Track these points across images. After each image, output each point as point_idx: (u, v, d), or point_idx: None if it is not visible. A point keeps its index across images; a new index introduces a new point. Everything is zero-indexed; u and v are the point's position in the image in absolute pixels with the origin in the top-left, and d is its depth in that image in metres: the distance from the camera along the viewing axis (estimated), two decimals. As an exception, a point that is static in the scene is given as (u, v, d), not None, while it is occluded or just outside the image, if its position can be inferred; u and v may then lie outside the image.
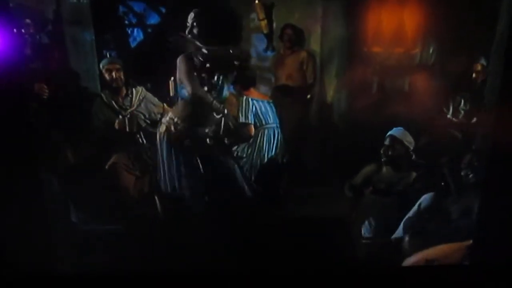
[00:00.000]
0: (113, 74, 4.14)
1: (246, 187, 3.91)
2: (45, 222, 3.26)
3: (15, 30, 3.95)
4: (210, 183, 3.72)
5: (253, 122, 4.19)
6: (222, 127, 3.69)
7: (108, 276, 3.02)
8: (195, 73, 3.50)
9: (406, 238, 3.47)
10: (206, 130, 3.66)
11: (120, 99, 4.23)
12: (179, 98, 3.73)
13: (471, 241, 2.88)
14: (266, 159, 4.25)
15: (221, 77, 3.55)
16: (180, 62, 3.55)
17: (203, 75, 3.53)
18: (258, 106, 4.22)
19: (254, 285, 3.02)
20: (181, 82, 3.59)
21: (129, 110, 4.21)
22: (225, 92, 3.67)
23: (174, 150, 3.68)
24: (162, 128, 3.69)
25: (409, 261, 3.13)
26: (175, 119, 3.63)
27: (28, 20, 4.16)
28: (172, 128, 3.62)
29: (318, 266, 3.20)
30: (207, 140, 3.64)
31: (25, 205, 2.64)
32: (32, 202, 2.69)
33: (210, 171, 3.70)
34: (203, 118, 3.66)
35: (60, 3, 4.49)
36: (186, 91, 3.58)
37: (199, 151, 3.68)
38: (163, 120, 3.73)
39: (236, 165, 3.91)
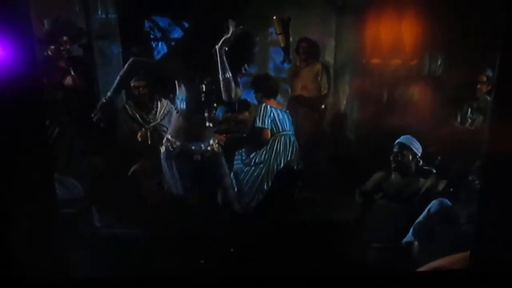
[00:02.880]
0: (140, 90, 4.26)
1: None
2: (68, 226, 3.43)
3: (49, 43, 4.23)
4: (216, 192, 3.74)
5: (270, 128, 4.29)
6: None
7: (128, 279, 3.16)
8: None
9: (416, 243, 3.57)
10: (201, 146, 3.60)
11: (145, 113, 4.33)
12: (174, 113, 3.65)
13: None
14: (282, 165, 4.34)
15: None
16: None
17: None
18: (276, 114, 4.34)
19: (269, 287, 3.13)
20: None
21: (152, 124, 4.32)
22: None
23: (171, 166, 3.62)
24: (163, 149, 3.64)
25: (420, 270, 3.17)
26: (169, 137, 3.59)
27: (62, 35, 4.33)
28: (169, 146, 3.58)
29: (329, 270, 3.29)
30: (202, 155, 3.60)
31: (47, 211, 2.74)
32: (54, 208, 2.81)
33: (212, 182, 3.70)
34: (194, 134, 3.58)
35: (89, 18, 4.63)
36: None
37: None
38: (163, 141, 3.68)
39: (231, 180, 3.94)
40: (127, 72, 3.49)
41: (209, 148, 3.61)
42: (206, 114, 3.51)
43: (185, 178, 3.59)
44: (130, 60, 3.49)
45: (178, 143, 3.54)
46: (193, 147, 3.56)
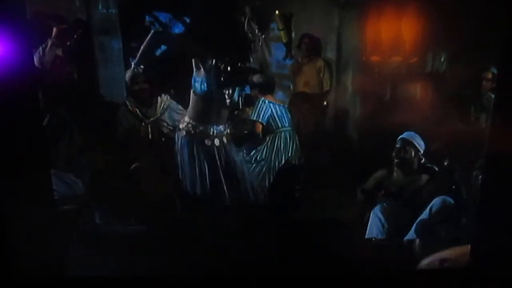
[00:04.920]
0: (141, 85, 4.24)
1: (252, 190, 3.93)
2: (69, 224, 3.43)
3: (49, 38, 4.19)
4: (226, 183, 3.73)
5: (267, 123, 4.25)
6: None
7: (128, 278, 3.16)
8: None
9: (418, 241, 3.57)
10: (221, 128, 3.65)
11: (145, 108, 4.32)
12: (192, 96, 3.69)
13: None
14: (283, 161, 4.31)
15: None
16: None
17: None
18: (274, 109, 4.30)
19: (270, 286, 3.12)
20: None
21: (152, 119, 4.31)
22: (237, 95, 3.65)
23: (192, 150, 3.66)
24: (182, 132, 3.70)
25: (424, 262, 3.20)
26: (190, 121, 3.63)
27: (60, 29, 4.26)
28: (191, 129, 3.63)
29: (329, 268, 3.30)
30: (221, 139, 3.64)
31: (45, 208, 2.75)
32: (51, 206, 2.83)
33: (226, 171, 3.71)
34: (215, 116, 3.63)
35: (90, 13, 4.61)
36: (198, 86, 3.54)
37: (215, 150, 3.67)
38: (181, 125, 3.74)
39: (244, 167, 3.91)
40: (149, 43, 3.52)
41: (229, 131, 3.64)
42: (226, 95, 3.54)
43: (203, 164, 3.61)
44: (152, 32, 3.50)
45: (201, 127, 3.56)
46: (214, 131, 3.56)
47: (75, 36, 4.37)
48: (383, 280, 3.10)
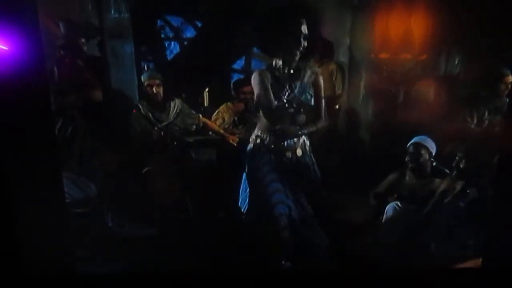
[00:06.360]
0: (154, 89, 4.28)
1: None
2: (81, 226, 3.44)
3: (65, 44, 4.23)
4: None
5: None
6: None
7: (140, 277, 3.15)
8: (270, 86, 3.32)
9: (431, 244, 3.58)
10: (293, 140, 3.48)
11: (157, 112, 4.36)
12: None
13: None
14: None
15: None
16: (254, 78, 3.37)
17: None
18: None
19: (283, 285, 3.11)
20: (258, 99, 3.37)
21: (164, 123, 4.35)
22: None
23: (260, 163, 3.47)
24: (250, 146, 3.52)
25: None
26: (261, 134, 3.47)
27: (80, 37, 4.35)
28: (259, 142, 3.47)
29: (342, 270, 3.28)
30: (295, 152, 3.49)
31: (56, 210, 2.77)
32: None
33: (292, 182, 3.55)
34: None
35: (102, 18, 4.62)
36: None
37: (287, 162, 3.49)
38: (251, 139, 3.55)
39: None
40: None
41: (299, 147, 3.50)
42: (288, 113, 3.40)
43: (270, 176, 3.44)
44: None
45: (269, 139, 3.43)
46: (285, 144, 3.44)
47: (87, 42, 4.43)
48: (395, 283, 3.08)
